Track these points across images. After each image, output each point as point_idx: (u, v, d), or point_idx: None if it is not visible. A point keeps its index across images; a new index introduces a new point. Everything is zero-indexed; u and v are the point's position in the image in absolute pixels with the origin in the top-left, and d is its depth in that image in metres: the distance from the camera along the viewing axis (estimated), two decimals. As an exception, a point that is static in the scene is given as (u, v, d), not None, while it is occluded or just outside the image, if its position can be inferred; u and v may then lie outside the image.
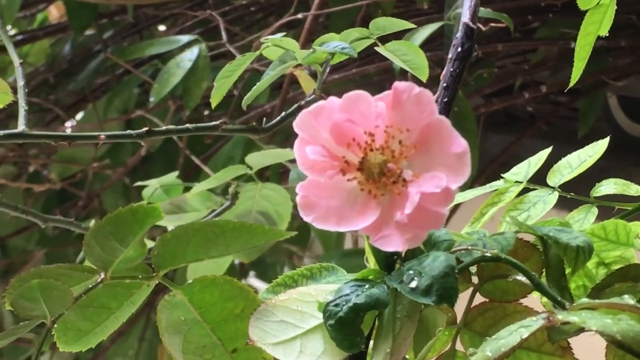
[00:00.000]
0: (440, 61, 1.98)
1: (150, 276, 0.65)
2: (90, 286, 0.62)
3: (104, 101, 2.20)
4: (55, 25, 2.45)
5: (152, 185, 1.38)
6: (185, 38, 2.03)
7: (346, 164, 0.57)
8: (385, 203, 0.57)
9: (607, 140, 0.81)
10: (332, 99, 0.57)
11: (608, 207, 0.79)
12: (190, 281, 0.64)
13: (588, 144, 0.82)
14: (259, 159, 1.30)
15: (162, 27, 2.55)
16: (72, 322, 0.63)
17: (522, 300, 0.67)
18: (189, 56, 1.95)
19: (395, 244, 0.56)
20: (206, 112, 2.15)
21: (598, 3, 0.79)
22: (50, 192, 2.22)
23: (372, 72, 2.01)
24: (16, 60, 1.02)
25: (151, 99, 1.94)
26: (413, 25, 0.99)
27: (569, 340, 0.64)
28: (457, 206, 2.10)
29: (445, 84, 0.70)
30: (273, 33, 1.77)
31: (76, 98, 2.28)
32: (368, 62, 1.99)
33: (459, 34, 0.72)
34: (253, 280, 2.57)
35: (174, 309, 0.64)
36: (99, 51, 2.31)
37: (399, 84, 0.56)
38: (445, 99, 0.69)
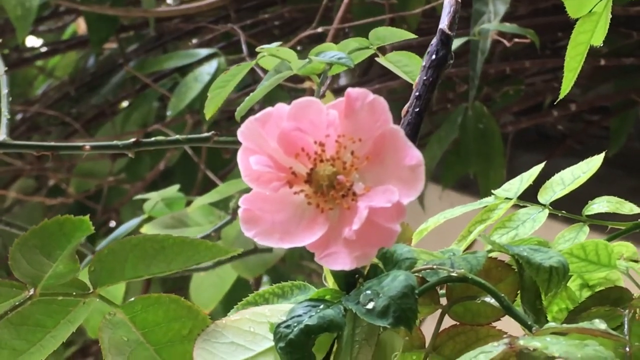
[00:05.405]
0: (466, 77, 1.94)
1: (85, 293, 0.62)
2: (17, 303, 0.59)
3: (123, 115, 2.18)
4: (77, 38, 2.44)
5: (152, 199, 1.35)
6: (204, 51, 2.01)
7: (293, 176, 0.54)
8: (334, 218, 0.53)
9: (602, 156, 0.77)
10: (281, 106, 0.54)
11: (603, 226, 0.75)
12: (132, 299, 0.61)
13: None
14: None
15: (194, 40, 2.52)
16: (5, 341, 0.60)
17: (501, 321, 0.63)
18: (208, 70, 1.93)
19: (342, 262, 0.52)
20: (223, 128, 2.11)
21: (590, 11, 0.75)
22: (70, 206, 2.20)
23: (396, 88, 1.97)
24: (1, 69, 1.00)
25: (168, 113, 1.92)
26: (413, 35, 0.95)
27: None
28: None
29: (417, 93, 0.66)
30: (294, 47, 1.74)
31: (97, 111, 2.26)
32: (392, 78, 1.95)
33: (434, 41, 0.68)
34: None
35: (116, 328, 0.61)
36: (121, 64, 2.30)
37: (352, 91, 0.53)
38: (417, 109, 0.65)
